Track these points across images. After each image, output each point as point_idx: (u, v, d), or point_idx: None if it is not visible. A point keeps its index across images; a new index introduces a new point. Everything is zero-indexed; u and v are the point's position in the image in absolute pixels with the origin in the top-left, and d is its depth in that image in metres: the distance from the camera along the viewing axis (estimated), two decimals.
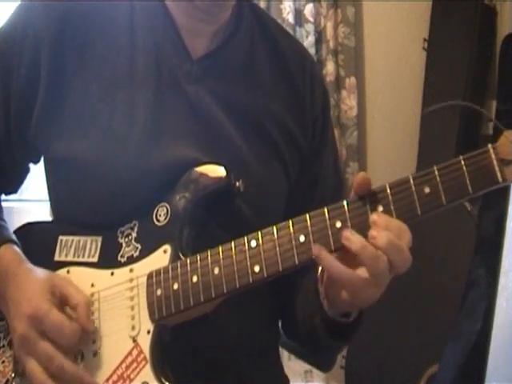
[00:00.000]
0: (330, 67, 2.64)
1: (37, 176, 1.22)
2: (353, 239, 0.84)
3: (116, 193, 1.02)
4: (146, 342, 0.95)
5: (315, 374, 2.59)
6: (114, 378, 0.96)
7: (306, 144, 1.15)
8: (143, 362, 0.94)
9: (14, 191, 1.20)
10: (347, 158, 2.67)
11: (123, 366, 0.96)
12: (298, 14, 2.65)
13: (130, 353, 0.96)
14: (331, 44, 2.65)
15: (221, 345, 1.04)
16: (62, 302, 0.97)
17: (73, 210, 1.08)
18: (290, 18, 2.62)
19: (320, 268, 0.96)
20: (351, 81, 2.68)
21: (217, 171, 0.99)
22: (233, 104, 1.09)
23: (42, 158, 1.14)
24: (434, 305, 2.38)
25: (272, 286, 1.14)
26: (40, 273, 1.01)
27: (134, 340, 0.96)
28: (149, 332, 0.96)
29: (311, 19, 2.65)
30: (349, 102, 2.67)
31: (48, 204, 1.15)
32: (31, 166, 1.20)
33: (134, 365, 0.95)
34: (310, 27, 2.64)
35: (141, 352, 0.95)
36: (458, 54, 2.57)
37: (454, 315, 2.22)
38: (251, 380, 1.10)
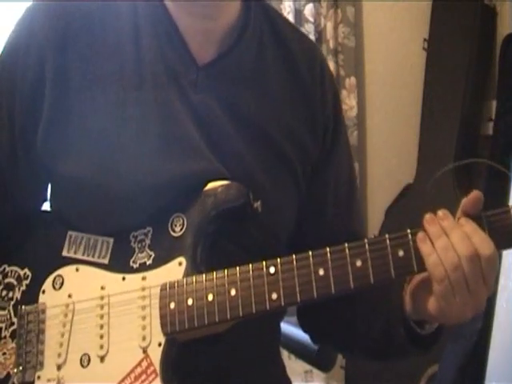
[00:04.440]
0: (330, 67, 2.64)
1: None
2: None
3: (128, 202, 1.00)
4: (156, 354, 0.94)
5: (315, 374, 2.58)
6: None
7: (317, 150, 1.12)
8: (153, 375, 0.93)
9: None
10: None
11: (132, 376, 0.94)
12: (298, 13, 2.65)
13: (139, 364, 0.94)
14: (331, 44, 2.65)
15: (229, 358, 1.03)
16: None
17: (83, 211, 1.05)
18: (290, 18, 2.61)
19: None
20: (351, 81, 2.68)
21: (237, 189, 0.98)
22: (241, 114, 1.06)
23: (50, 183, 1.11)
24: None
25: None
26: None
27: (145, 351, 0.94)
28: (160, 344, 0.94)
29: (311, 19, 2.64)
30: (349, 102, 2.67)
31: (47, 204, 1.14)
32: None
33: (144, 377, 0.93)
34: (310, 27, 2.64)
35: (151, 364, 0.93)
36: (458, 53, 2.57)
37: None
38: (254, 382, 1.09)
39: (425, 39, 2.68)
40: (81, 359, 0.97)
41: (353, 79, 2.68)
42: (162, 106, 1.02)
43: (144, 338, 0.95)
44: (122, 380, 0.94)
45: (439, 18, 2.65)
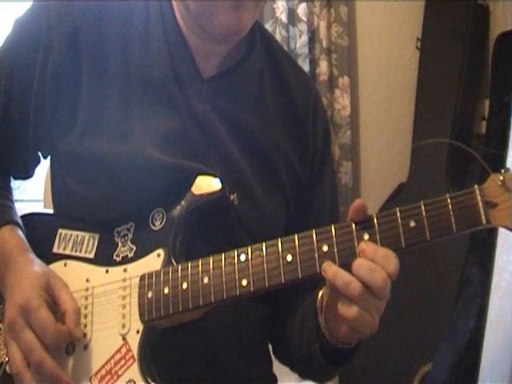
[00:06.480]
0: (323, 66, 2.64)
1: (34, 176, 1.24)
2: (329, 270, 0.88)
3: (116, 192, 1.04)
4: (134, 341, 0.99)
5: None
6: (103, 372, 0.99)
7: (305, 175, 1.17)
8: (131, 360, 0.98)
9: (23, 177, 1.22)
10: (340, 157, 2.67)
11: (112, 361, 0.99)
12: (291, 13, 2.65)
13: (119, 350, 0.99)
14: (324, 43, 2.65)
15: (211, 348, 1.06)
16: (53, 302, 1.00)
17: (74, 206, 1.09)
18: (283, 18, 2.61)
19: (319, 296, 0.99)
20: (344, 80, 2.68)
21: (212, 183, 1.02)
22: (240, 128, 1.11)
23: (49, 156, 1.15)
24: (428, 303, 2.39)
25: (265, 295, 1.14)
26: (39, 266, 1.03)
27: (124, 338, 1.00)
28: (138, 332, 0.99)
29: (304, 19, 2.64)
30: (342, 102, 2.68)
31: (44, 204, 1.17)
32: None
33: (122, 362, 0.98)
34: (303, 26, 2.64)
35: (129, 350, 0.98)
36: (451, 53, 2.57)
37: (448, 314, 2.23)
38: (234, 373, 1.11)
39: (418, 38, 2.69)
40: (66, 347, 1.02)
41: (346, 78, 2.68)
42: (166, 107, 1.06)
43: (124, 326, 1.00)
44: (103, 365, 1.00)
45: (432, 17, 2.65)
